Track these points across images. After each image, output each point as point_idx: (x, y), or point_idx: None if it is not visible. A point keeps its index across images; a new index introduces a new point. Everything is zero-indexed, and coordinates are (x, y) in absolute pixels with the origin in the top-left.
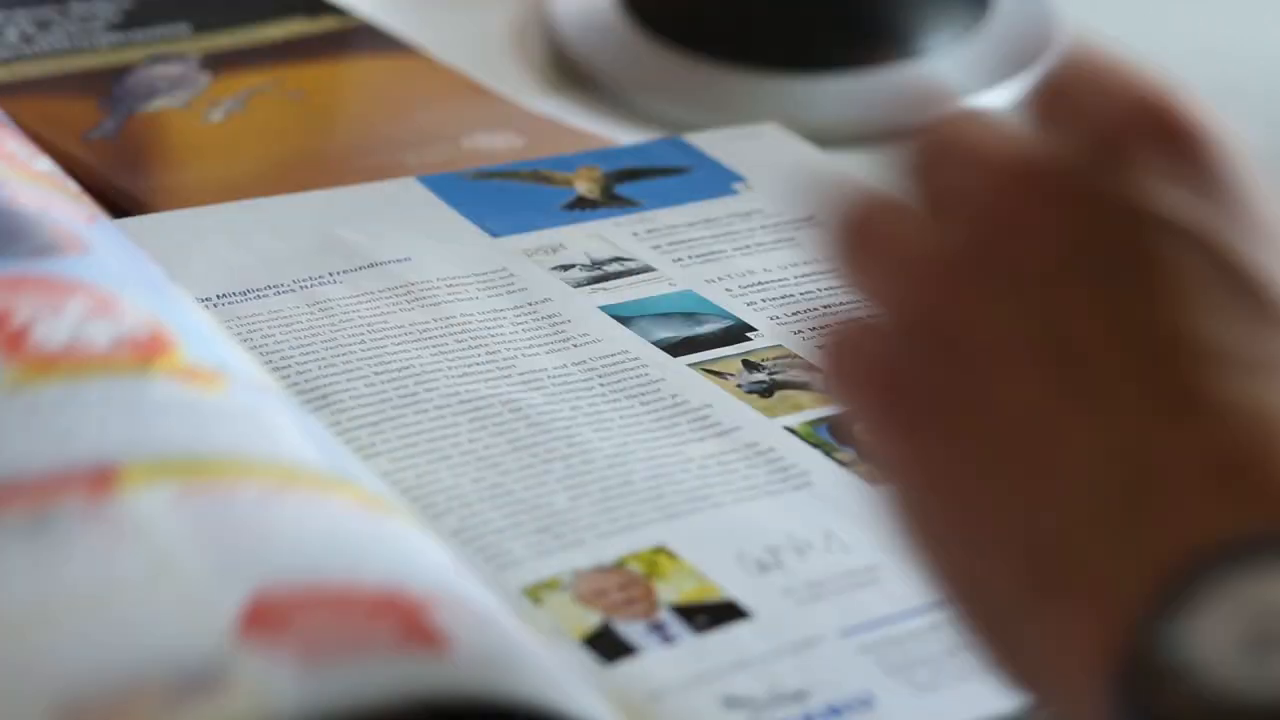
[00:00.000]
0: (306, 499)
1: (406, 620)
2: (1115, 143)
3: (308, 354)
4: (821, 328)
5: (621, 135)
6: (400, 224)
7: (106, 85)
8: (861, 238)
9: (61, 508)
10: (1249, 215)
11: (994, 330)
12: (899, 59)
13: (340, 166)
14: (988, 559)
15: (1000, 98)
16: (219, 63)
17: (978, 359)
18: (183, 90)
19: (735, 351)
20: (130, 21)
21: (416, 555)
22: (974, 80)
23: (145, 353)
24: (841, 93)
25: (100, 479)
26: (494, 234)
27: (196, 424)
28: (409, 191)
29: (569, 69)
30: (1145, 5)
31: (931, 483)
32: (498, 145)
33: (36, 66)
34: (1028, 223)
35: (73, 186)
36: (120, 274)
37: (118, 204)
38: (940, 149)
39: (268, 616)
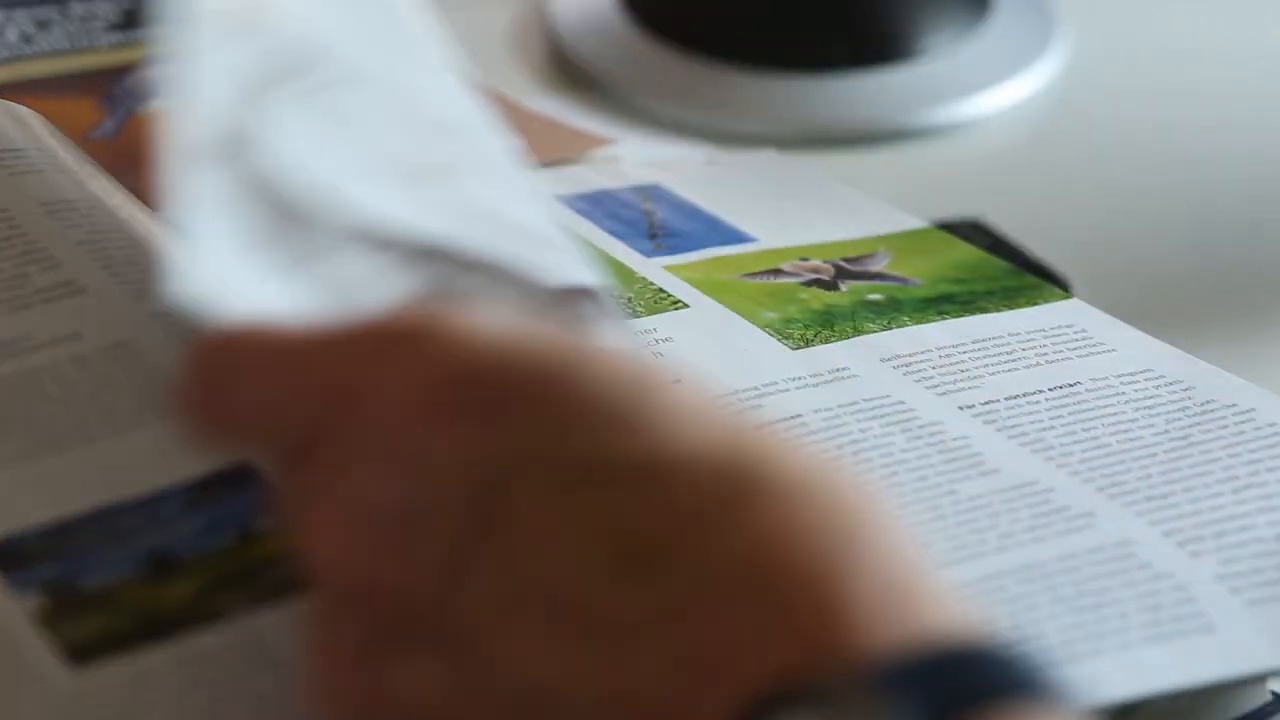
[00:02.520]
0: None
1: None
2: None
3: None
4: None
5: (621, 135)
6: None
7: (106, 85)
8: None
9: None
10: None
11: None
12: (899, 59)
13: None
14: None
15: (1000, 98)
16: None
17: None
18: None
19: None
20: (130, 21)
21: None
22: (974, 80)
23: None
24: (841, 93)
25: None
26: None
27: None
28: None
29: (569, 69)
30: (1145, 5)
31: None
32: None
33: (36, 66)
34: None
35: None
36: None
37: None
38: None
39: None
